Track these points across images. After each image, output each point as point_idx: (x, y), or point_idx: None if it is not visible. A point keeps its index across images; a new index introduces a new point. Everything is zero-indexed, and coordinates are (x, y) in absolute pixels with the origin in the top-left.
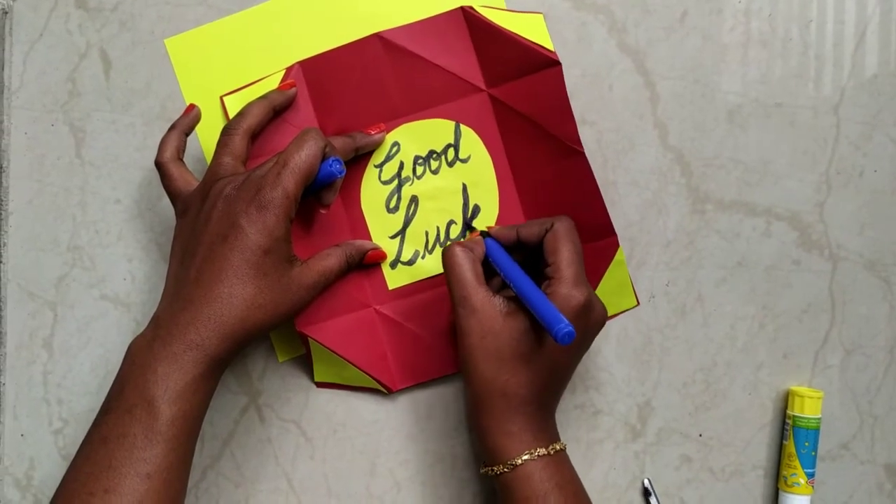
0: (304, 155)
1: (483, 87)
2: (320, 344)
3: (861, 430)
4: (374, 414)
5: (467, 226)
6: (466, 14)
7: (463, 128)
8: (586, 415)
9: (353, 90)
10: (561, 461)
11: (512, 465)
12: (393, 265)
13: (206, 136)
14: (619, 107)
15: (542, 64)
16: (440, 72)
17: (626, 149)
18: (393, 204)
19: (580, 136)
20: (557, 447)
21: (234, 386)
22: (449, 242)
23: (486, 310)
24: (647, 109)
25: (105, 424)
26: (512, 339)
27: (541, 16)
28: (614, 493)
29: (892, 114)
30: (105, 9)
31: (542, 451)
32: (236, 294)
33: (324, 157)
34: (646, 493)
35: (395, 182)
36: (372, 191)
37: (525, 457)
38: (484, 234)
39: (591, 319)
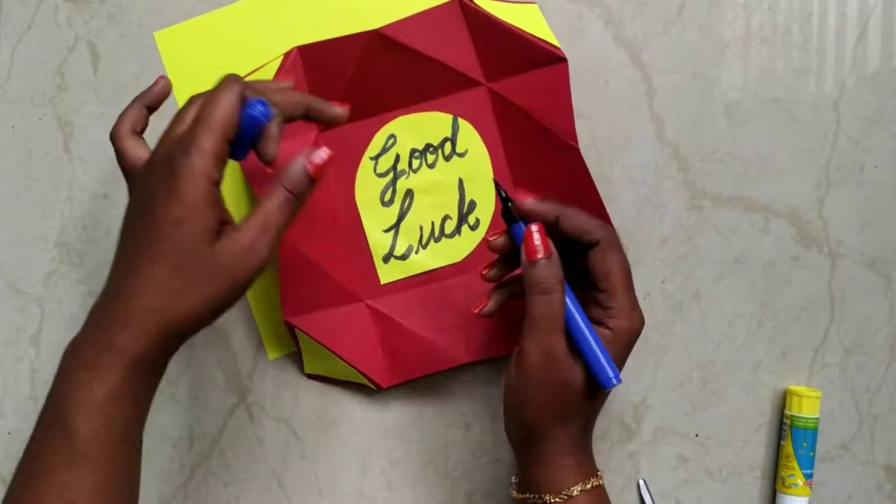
0: (220, 105)
1: (482, 80)
2: (308, 336)
3: (860, 431)
4: (365, 413)
5: (463, 219)
6: (464, 6)
7: (461, 121)
8: None
9: (350, 80)
10: (604, 492)
11: (567, 496)
12: (386, 259)
13: None
14: (616, 101)
15: (548, 60)
16: (438, 65)
17: (623, 144)
18: (388, 197)
19: (577, 129)
20: (596, 482)
21: (223, 384)
22: (444, 238)
23: (564, 360)
24: (644, 104)
25: (30, 444)
26: (580, 389)
27: (536, 6)
28: (609, 493)
29: (892, 109)
30: (93, 1)
31: (594, 481)
32: (147, 280)
33: (245, 105)
34: (640, 494)
35: (391, 175)
36: (367, 183)
37: (579, 487)
38: (522, 219)
39: (632, 338)
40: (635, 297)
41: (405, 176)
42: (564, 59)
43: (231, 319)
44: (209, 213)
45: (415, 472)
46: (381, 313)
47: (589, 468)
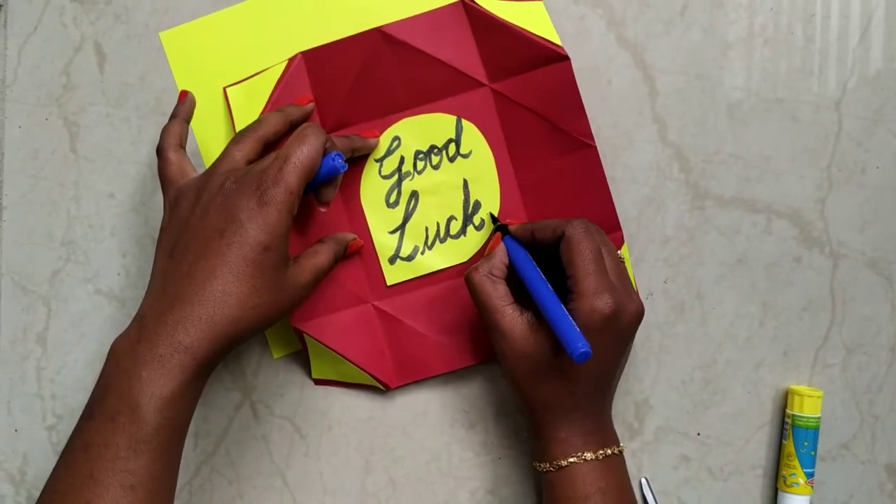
0: (307, 149)
1: (485, 81)
2: (317, 340)
3: (861, 430)
4: (368, 411)
5: (468, 219)
6: (467, 7)
7: (464, 122)
8: None
9: (354, 83)
10: (610, 466)
11: (557, 465)
12: (392, 261)
13: (201, 130)
14: (618, 102)
15: (550, 59)
16: (442, 66)
17: (625, 144)
18: (393, 199)
19: None
20: (608, 451)
21: (228, 382)
22: (449, 239)
23: (515, 332)
24: (646, 104)
25: (87, 431)
26: (544, 357)
27: (540, 3)
28: None
29: (894, 109)
30: (100, 1)
31: (590, 454)
32: (231, 292)
33: (325, 153)
34: (643, 492)
35: (396, 177)
36: (372, 185)
37: (571, 459)
38: (503, 228)
39: (622, 322)
40: (605, 280)
41: (410, 177)
42: (566, 57)
43: None
44: (286, 244)
45: (418, 471)
46: (388, 314)
47: (590, 440)
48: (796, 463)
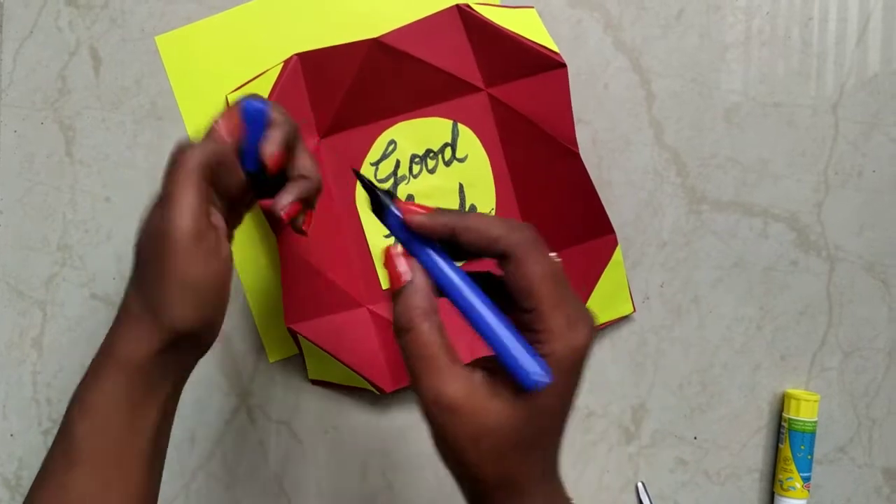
0: (193, 148)
1: (482, 86)
2: (311, 342)
3: (859, 434)
4: (365, 415)
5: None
6: (462, 13)
7: (461, 127)
8: (579, 417)
9: (351, 87)
10: None
11: None
12: None
13: (197, 133)
14: (615, 105)
15: (548, 65)
16: (438, 71)
17: (622, 148)
18: None
19: (577, 134)
20: None
21: (224, 387)
22: None
23: (470, 404)
24: (643, 108)
25: (77, 391)
26: (512, 429)
27: (533, 10)
28: (608, 496)
29: (891, 113)
30: (95, 6)
31: None
32: (152, 286)
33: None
34: (639, 497)
35: (392, 180)
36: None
37: None
38: (380, 207)
39: (588, 353)
40: (574, 307)
41: (406, 181)
42: (564, 65)
43: (232, 323)
44: (193, 218)
45: (414, 475)
46: (383, 318)
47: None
48: (793, 467)
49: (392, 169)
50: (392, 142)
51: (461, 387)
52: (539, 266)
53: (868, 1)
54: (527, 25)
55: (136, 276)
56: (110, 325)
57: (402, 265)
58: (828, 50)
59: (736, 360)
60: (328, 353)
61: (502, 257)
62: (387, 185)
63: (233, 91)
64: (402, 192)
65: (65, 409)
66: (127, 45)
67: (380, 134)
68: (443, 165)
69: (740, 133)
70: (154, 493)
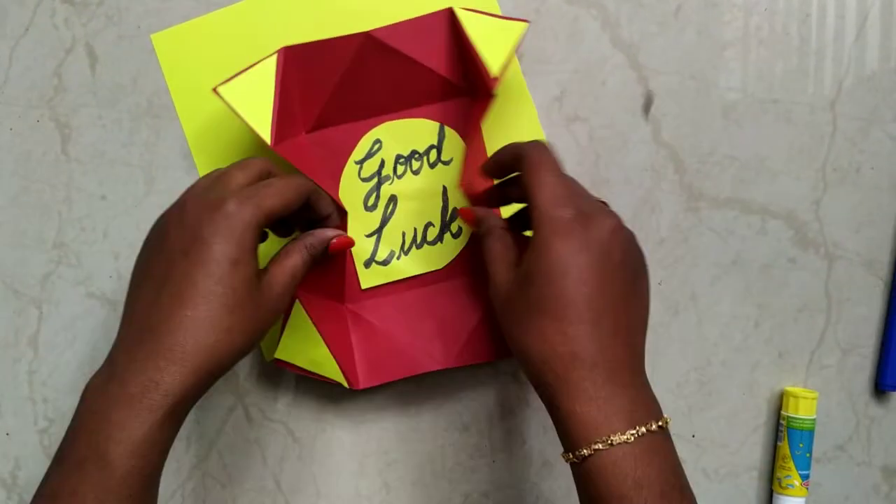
0: (294, 181)
1: (469, 91)
2: (304, 309)
3: (857, 432)
4: (362, 414)
5: (446, 226)
6: (453, 16)
7: (447, 129)
8: None
9: (339, 82)
10: (649, 448)
11: (581, 455)
12: (367, 264)
13: (194, 133)
14: (612, 102)
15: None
16: (427, 72)
17: (619, 145)
18: (371, 202)
19: (573, 131)
20: (643, 429)
21: (221, 385)
22: (426, 245)
23: (497, 276)
24: (641, 105)
25: (55, 478)
26: (519, 290)
27: (525, 24)
28: None
29: (889, 109)
30: (91, 3)
31: (619, 436)
32: (202, 317)
33: (310, 202)
34: None
35: (375, 180)
36: (351, 187)
37: (596, 446)
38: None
39: (594, 234)
40: (567, 189)
41: (389, 181)
42: (491, 95)
43: None
44: (255, 258)
45: (412, 474)
46: (360, 317)
47: (619, 409)
48: (791, 465)
49: (376, 168)
50: (378, 141)
51: (502, 271)
52: (534, 164)
53: None
54: (501, 38)
55: (182, 293)
56: (105, 324)
57: (473, 211)
58: (826, 47)
59: (734, 358)
60: (315, 326)
61: (521, 160)
62: (370, 185)
63: (221, 84)
64: (385, 192)
65: (64, 426)
66: (123, 43)
67: (366, 132)
68: (427, 167)
69: (738, 130)
70: None
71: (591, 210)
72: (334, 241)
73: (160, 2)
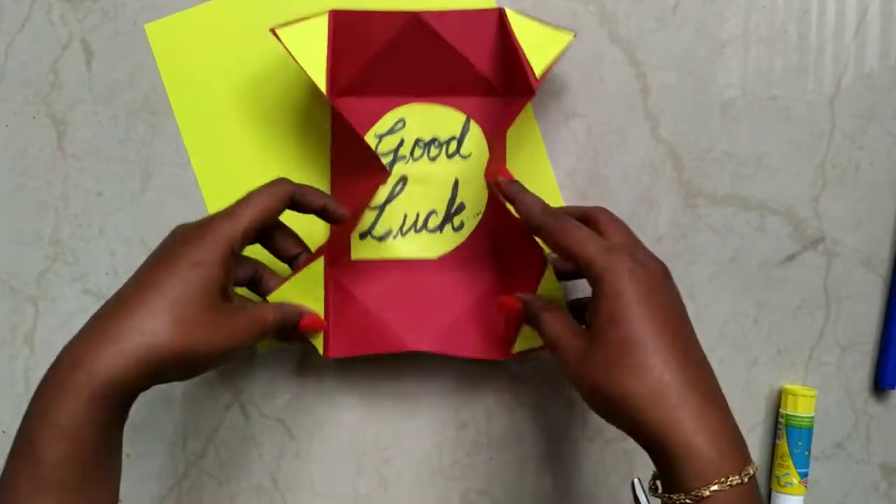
0: (267, 192)
1: (502, 92)
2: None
3: (856, 429)
4: (360, 411)
5: (449, 218)
6: (502, 17)
7: (472, 124)
8: (577, 415)
9: (376, 55)
10: (751, 490)
11: (696, 497)
12: (362, 236)
13: (188, 125)
14: (610, 99)
15: (523, 89)
16: (466, 64)
17: (617, 142)
18: None
19: (571, 127)
20: (750, 471)
21: (217, 383)
22: (424, 231)
23: (564, 333)
24: (639, 101)
25: (3, 470)
26: (596, 353)
27: (570, 35)
28: (604, 492)
29: (888, 106)
30: None
31: (736, 478)
32: (146, 303)
33: (293, 201)
34: (635, 493)
35: (391, 157)
36: None
37: (714, 487)
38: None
39: (644, 280)
40: (620, 247)
41: (405, 161)
42: (528, 99)
43: None
44: (222, 272)
45: (409, 471)
46: (343, 286)
47: (728, 450)
48: (790, 463)
49: (395, 146)
50: (401, 120)
51: (567, 333)
52: (563, 225)
53: None
54: (549, 45)
55: (140, 283)
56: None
57: (510, 300)
58: (825, 44)
59: (732, 356)
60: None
61: (539, 232)
62: (385, 160)
63: (280, 25)
64: (397, 170)
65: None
66: (119, 39)
67: (392, 108)
68: (445, 157)
69: (737, 127)
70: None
71: (636, 249)
72: (306, 318)
73: None
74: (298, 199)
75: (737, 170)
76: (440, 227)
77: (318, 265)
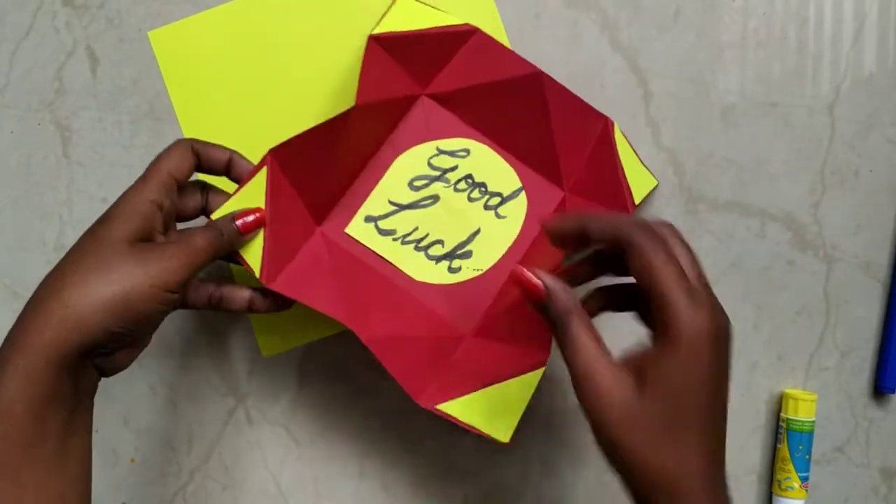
0: (173, 146)
1: (562, 186)
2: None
3: (856, 433)
4: (362, 416)
5: (451, 256)
6: (607, 128)
7: (522, 195)
8: (577, 417)
9: (484, 83)
10: None
11: None
12: (367, 220)
13: (191, 129)
14: (612, 105)
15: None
16: (550, 142)
17: None
18: (419, 184)
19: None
20: None
21: (221, 388)
22: (423, 253)
23: (614, 390)
24: (640, 108)
25: None
26: (641, 410)
27: (654, 182)
28: (607, 496)
29: (888, 113)
30: (92, 6)
31: None
32: (66, 272)
33: (198, 153)
34: None
35: (439, 173)
36: (416, 158)
37: None
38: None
39: (720, 343)
40: (699, 291)
41: (446, 185)
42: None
43: (228, 322)
44: (135, 218)
45: (412, 476)
46: (322, 245)
47: None
48: (791, 467)
49: (448, 167)
50: (466, 150)
51: (607, 375)
52: (659, 254)
53: (863, 2)
54: (638, 183)
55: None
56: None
57: (534, 277)
58: (824, 50)
59: (733, 360)
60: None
61: (628, 246)
62: (431, 172)
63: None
64: (435, 187)
65: None
66: (124, 46)
67: (467, 136)
68: (482, 204)
69: (737, 133)
70: (81, 493)
71: (711, 294)
72: (237, 217)
73: (161, 4)
74: (199, 150)
75: (737, 176)
76: (438, 259)
77: (261, 177)
